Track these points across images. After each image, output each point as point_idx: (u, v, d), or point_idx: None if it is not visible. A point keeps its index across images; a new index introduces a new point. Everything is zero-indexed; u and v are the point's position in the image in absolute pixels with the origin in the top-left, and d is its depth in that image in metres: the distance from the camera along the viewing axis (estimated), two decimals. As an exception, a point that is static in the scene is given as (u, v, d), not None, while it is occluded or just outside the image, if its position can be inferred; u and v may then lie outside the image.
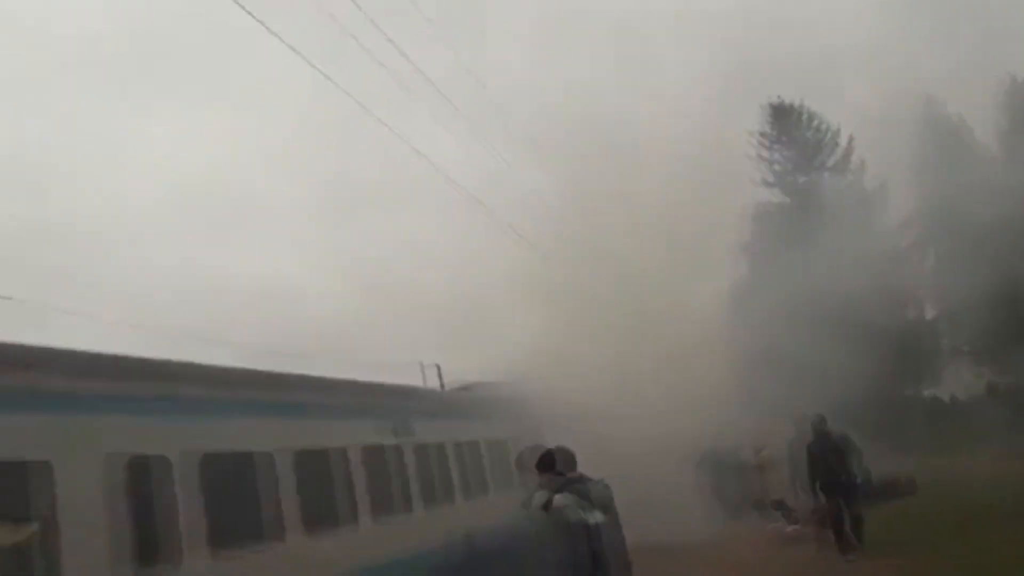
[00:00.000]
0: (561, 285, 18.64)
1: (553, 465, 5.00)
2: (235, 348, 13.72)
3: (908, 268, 31.54)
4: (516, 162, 22.56)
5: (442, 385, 19.81)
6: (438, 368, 21.09)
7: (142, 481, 6.96)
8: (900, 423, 24.06)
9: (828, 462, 11.29)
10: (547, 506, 4.79)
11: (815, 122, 33.60)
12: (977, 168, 27.23)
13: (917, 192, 29.25)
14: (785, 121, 33.77)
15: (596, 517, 4.73)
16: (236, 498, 8.29)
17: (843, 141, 32.80)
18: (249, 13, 10.87)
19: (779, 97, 33.09)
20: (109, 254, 34.22)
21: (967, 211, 24.11)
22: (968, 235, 24.78)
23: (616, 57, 22.86)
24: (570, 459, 5.28)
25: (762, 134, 33.63)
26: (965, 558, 9.29)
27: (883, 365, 22.58)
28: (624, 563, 4.53)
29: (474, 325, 19.60)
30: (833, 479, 11.25)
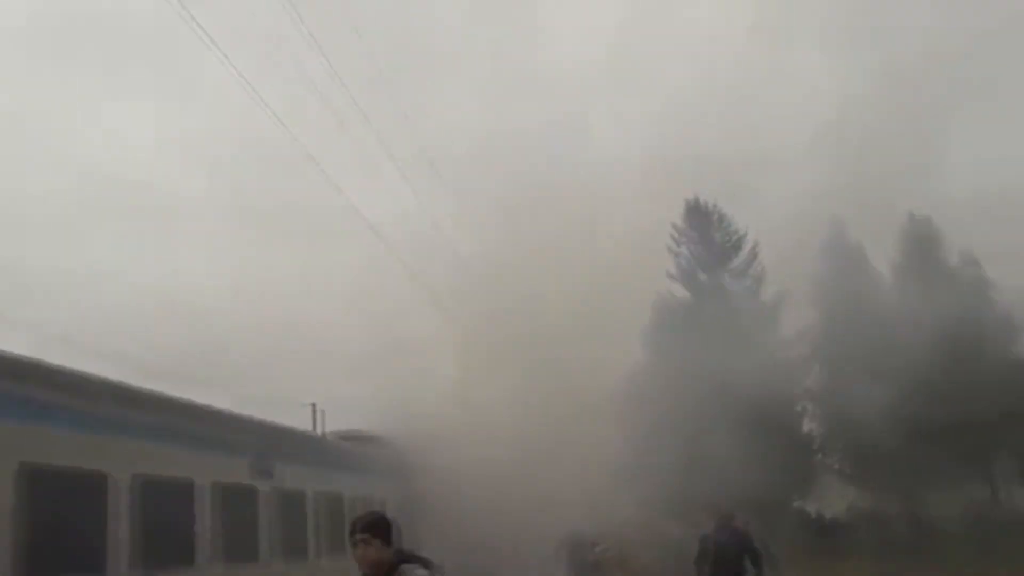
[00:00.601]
0: (469, 344, 18.05)
1: (389, 534, 4.02)
2: (113, 359, 12.17)
3: (795, 379, 32.50)
4: (442, 214, 22.04)
5: (322, 430, 18.58)
6: (314, 408, 19.75)
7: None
8: (776, 530, 24.16)
9: (726, 554, 10.93)
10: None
11: (724, 223, 34.61)
12: (870, 295, 28.48)
13: (812, 307, 30.43)
14: (698, 219, 34.63)
15: None
16: (58, 520, 7.08)
17: (747, 247, 33.83)
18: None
19: (695, 195, 34.04)
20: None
21: (856, 334, 25.07)
22: (855, 358, 25.71)
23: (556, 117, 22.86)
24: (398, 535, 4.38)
25: (675, 226, 34.36)
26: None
27: (764, 471, 22.78)
28: None
29: (371, 374, 18.70)
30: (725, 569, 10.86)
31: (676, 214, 33.51)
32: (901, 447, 23.91)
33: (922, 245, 30.09)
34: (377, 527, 3.96)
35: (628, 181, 21.65)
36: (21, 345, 7.76)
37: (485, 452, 15.16)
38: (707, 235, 34.72)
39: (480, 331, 18.18)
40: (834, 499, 35.50)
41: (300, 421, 17.67)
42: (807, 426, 33.40)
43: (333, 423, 18.44)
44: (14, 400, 6.87)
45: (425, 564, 3.97)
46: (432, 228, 21.37)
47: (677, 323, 28.99)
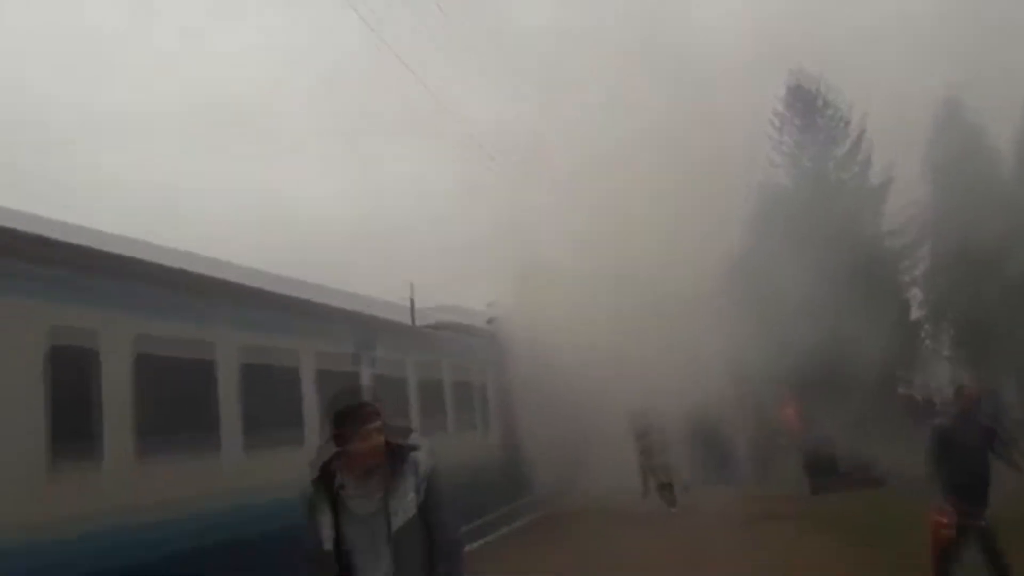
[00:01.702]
0: (556, 234, 18.11)
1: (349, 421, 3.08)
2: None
3: (902, 268, 31.42)
4: (525, 110, 21.74)
5: (413, 316, 19.35)
6: (411, 288, 20.56)
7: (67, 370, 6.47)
8: (878, 415, 23.94)
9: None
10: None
11: (830, 110, 32.90)
12: (988, 178, 26.74)
13: (921, 194, 29.00)
14: (801, 104, 33.03)
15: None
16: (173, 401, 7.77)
17: (854, 133, 32.15)
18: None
19: (796, 80, 32.32)
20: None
21: (970, 221, 23.72)
22: (968, 246, 24.39)
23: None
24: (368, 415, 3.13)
25: (775, 113, 32.90)
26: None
27: (866, 355, 22.38)
28: (451, 550, 3.14)
29: (461, 261, 19.21)
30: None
31: (778, 98, 32.13)
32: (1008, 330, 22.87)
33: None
34: (381, 409, 3.16)
35: (730, 59, 20.51)
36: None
37: (580, 338, 15.38)
38: (811, 121, 33.18)
39: (575, 218, 18.12)
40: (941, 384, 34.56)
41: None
42: (914, 314, 32.58)
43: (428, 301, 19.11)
44: (138, 296, 7.49)
45: (416, 446, 3.22)
46: (521, 121, 21.20)
47: (780, 211, 28.19)
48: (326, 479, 3.13)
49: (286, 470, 9.08)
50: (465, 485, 13.24)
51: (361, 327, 11.96)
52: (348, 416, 3.09)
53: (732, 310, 18.20)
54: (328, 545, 3.06)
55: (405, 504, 3.08)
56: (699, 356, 16.20)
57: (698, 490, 16.07)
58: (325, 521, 3.07)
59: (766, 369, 16.99)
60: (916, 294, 32.12)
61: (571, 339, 15.17)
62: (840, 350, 19.69)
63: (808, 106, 33.17)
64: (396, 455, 3.14)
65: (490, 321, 18.28)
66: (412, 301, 20.61)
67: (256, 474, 8.34)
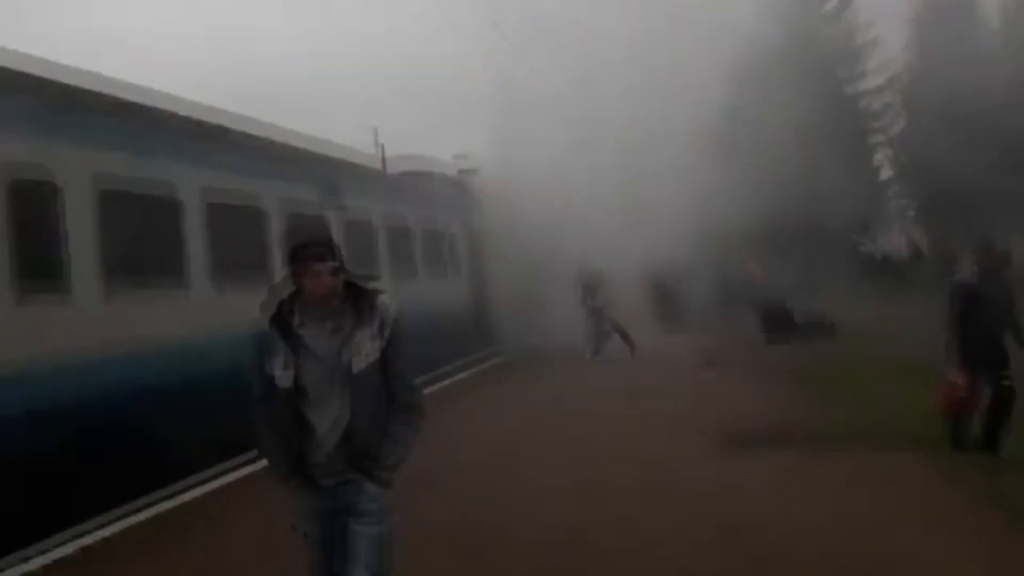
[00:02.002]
0: (536, 83, 17.57)
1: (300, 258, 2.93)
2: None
3: (878, 127, 31.43)
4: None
5: (383, 159, 19.00)
6: (375, 132, 20.04)
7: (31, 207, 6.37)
8: (838, 271, 24.58)
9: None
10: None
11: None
12: (970, 38, 26.25)
13: (904, 53, 28.56)
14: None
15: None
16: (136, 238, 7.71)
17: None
18: None
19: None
20: None
21: (952, 83, 23.43)
22: (948, 109, 24.22)
23: None
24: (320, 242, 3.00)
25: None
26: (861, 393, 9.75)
27: (833, 212, 22.76)
28: (409, 400, 3.10)
29: (431, 101, 18.71)
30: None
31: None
32: (979, 192, 23.16)
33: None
34: (335, 246, 3.01)
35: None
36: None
37: (552, 192, 15.31)
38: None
39: (550, 67, 17.56)
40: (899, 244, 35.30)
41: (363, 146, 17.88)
42: (883, 174, 32.90)
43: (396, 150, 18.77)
44: (95, 127, 7.24)
45: (381, 291, 3.11)
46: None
47: (764, 65, 27.64)
48: (283, 317, 3.00)
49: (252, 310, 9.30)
50: (433, 331, 13.68)
51: (329, 170, 11.77)
52: (299, 253, 2.94)
53: (707, 164, 18.20)
54: (286, 383, 2.95)
55: (367, 347, 2.99)
56: (672, 209, 16.27)
57: (661, 337, 16.70)
58: (279, 361, 2.95)
59: (735, 221, 17.20)
60: (888, 154, 32.31)
61: (543, 192, 15.08)
62: (808, 205, 19.93)
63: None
64: (360, 297, 3.03)
65: (461, 171, 18.09)
66: (382, 147, 20.16)
67: (225, 313, 8.47)
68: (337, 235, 10.70)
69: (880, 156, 32.69)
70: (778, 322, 15.79)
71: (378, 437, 3.02)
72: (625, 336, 14.93)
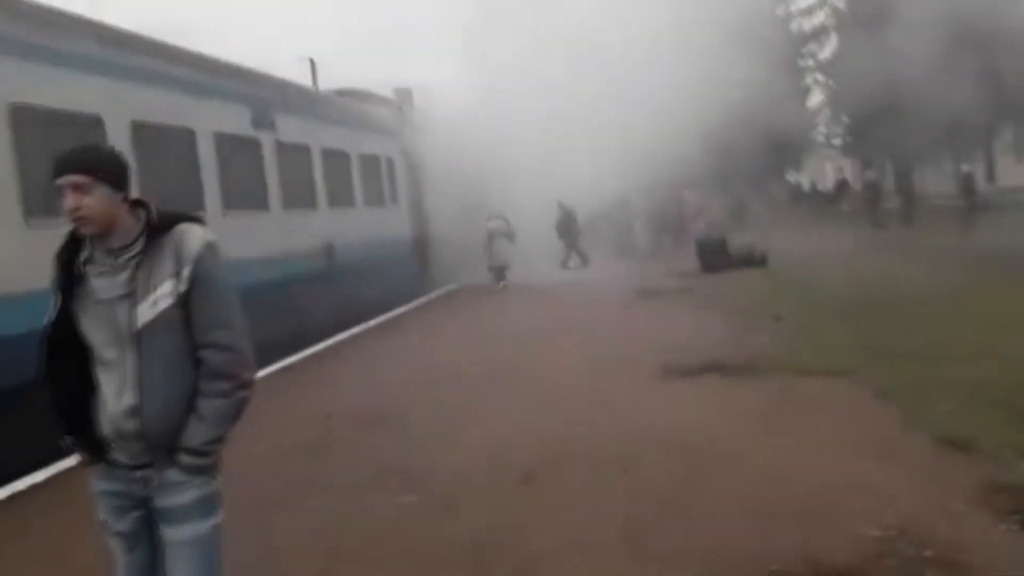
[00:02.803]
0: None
1: (123, 179, 2.43)
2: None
3: (807, 51, 31.61)
4: None
5: (315, 84, 18.17)
6: (312, 63, 19.13)
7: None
8: (767, 200, 25.10)
9: None
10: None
11: None
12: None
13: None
14: None
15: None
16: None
17: None
18: None
19: None
20: None
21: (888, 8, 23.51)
22: (878, 34, 24.42)
23: None
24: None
25: None
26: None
27: (760, 145, 23.00)
28: (223, 363, 2.37)
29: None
30: None
31: None
32: (905, 121, 23.70)
33: None
34: (100, 166, 2.36)
35: None
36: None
37: (495, 117, 14.99)
38: None
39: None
40: (826, 174, 36.14)
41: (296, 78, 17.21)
42: (811, 100, 33.34)
43: (328, 82, 18.07)
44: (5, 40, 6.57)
45: (187, 217, 2.47)
46: None
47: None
48: (70, 248, 2.44)
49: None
50: (374, 260, 13.42)
51: (263, 87, 11.13)
52: (55, 177, 2.34)
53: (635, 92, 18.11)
54: (49, 331, 2.40)
55: (158, 293, 2.33)
56: (605, 144, 16.23)
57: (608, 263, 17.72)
58: (55, 300, 2.42)
59: (667, 155, 17.30)
60: (818, 79, 32.63)
61: (487, 119, 14.72)
62: (738, 134, 20.11)
63: None
64: (155, 227, 2.39)
65: (399, 92, 17.41)
66: (313, 64, 19.21)
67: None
68: (269, 158, 10.31)
69: (808, 81, 33.00)
70: (713, 252, 16.09)
71: (180, 411, 2.35)
72: (585, 257, 18.77)
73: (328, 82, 17.98)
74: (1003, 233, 16.57)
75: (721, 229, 17.59)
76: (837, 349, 8.04)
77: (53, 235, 2.67)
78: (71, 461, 5.21)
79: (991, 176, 30.95)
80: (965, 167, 21.85)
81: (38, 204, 6.46)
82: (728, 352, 8.17)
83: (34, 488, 5.66)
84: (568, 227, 18.71)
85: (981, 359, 7.03)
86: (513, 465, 5.33)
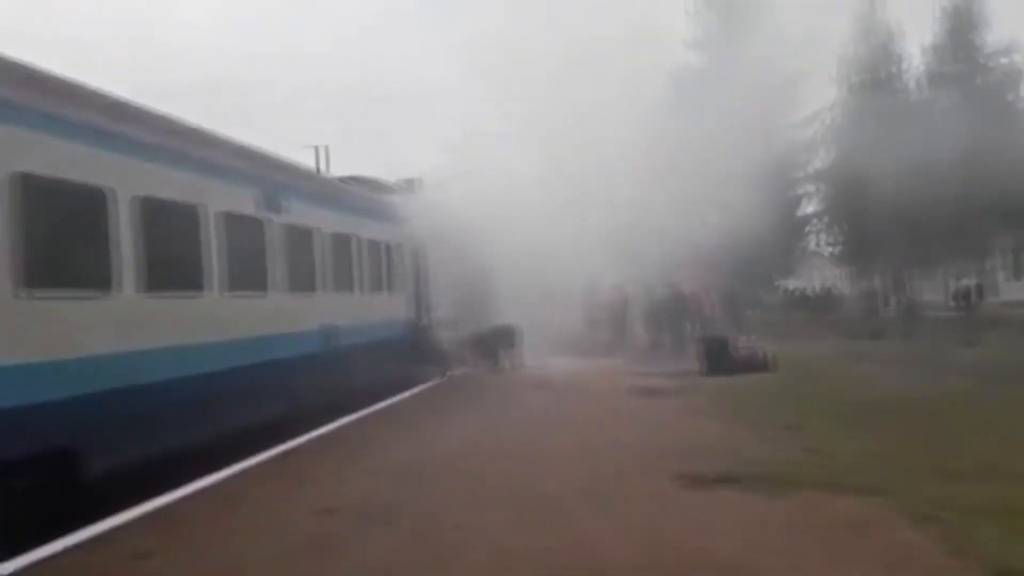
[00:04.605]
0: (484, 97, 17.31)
1: None
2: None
3: (803, 161, 32.20)
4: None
5: (322, 170, 18.18)
6: (317, 151, 19.23)
7: None
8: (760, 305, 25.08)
9: None
10: None
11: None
12: (897, 77, 27.26)
13: (832, 85, 29.34)
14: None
15: None
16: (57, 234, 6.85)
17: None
18: None
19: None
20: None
21: (875, 116, 24.21)
22: (869, 141, 25.01)
23: None
24: None
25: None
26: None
27: (758, 248, 23.11)
28: None
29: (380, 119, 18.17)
30: None
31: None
32: (898, 232, 24.00)
33: (961, 23, 28.31)
34: None
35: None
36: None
37: (498, 205, 15.02)
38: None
39: (492, 87, 17.33)
40: (821, 281, 36.34)
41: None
42: (805, 209, 33.76)
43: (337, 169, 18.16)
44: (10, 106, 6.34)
45: None
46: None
47: (691, 92, 27.99)
48: None
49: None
50: (372, 344, 13.08)
51: (270, 169, 10.96)
52: None
53: (640, 190, 18.34)
54: None
55: None
56: (610, 235, 16.30)
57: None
58: None
59: (663, 251, 17.36)
60: (809, 189, 33.10)
61: (488, 204, 14.71)
62: (732, 241, 20.17)
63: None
64: None
65: (407, 181, 17.43)
66: (317, 152, 19.30)
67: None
68: (272, 241, 10.07)
69: (800, 191, 33.50)
70: (716, 356, 15.74)
71: None
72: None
73: (336, 169, 18.10)
74: (1008, 345, 16.46)
75: (722, 329, 17.36)
76: (861, 463, 7.63)
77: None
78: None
79: (994, 290, 31.05)
80: (964, 281, 21.99)
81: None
82: (744, 462, 7.74)
83: None
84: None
85: (1014, 479, 6.67)
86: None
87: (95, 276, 7.10)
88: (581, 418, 11.21)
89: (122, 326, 7.34)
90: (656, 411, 11.63)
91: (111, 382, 7.03)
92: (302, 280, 11.20)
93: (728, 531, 5.78)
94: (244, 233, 9.71)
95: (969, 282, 21.96)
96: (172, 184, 8.32)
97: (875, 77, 27.20)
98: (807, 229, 34.30)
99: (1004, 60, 27.82)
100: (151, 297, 7.73)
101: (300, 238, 11.24)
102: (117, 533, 6.05)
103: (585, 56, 17.70)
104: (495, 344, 17.13)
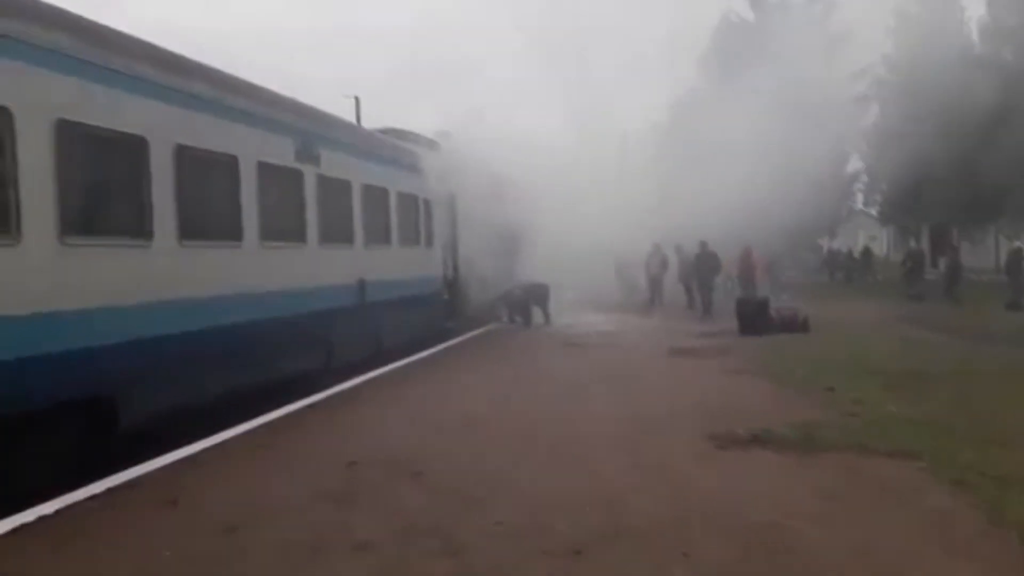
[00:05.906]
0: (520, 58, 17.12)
1: None
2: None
3: (846, 118, 31.34)
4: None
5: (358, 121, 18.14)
6: (356, 101, 19.19)
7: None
8: (804, 266, 24.69)
9: None
10: None
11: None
12: (952, 35, 26.26)
13: (885, 40, 28.45)
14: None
15: None
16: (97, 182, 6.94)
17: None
18: None
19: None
20: None
21: (927, 79, 23.39)
22: (921, 105, 24.20)
23: None
24: None
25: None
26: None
27: (799, 206, 22.64)
28: None
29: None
30: None
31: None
32: (945, 191, 23.33)
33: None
34: None
35: None
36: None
37: (530, 163, 14.87)
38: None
39: (531, 50, 17.16)
40: (866, 241, 35.60)
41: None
42: (851, 167, 33.00)
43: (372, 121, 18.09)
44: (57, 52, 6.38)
45: None
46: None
47: (736, 47, 27.34)
48: None
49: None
50: (406, 297, 13.16)
51: (308, 120, 10.93)
52: None
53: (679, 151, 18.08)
54: None
55: None
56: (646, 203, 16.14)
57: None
58: None
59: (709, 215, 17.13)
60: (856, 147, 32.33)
61: (524, 162, 14.58)
62: (779, 199, 19.81)
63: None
64: None
65: (441, 134, 17.33)
66: (358, 101, 19.26)
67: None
68: (309, 191, 10.10)
69: (847, 148, 32.72)
70: (752, 315, 15.56)
71: None
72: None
73: (367, 121, 18.04)
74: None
75: (762, 288, 17.16)
76: (899, 427, 7.52)
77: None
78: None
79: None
80: (1016, 243, 21.31)
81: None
82: (780, 423, 7.67)
83: None
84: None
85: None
86: (558, 534, 4.88)
87: (135, 225, 7.20)
88: (614, 376, 11.17)
89: (164, 275, 7.47)
90: (691, 371, 11.57)
91: (152, 329, 7.18)
92: (339, 232, 11.25)
93: (759, 491, 5.74)
94: (282, 184, 9.76)
95: (1020, 243, 21.27)
96: (210, 134, 8.36)
97: (933, 29, 26.17)
98: (853, 188, 33.61)
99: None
100: (190, 247, 7.83)
101: (339, 189, 11.26)
102: (147, 478, 6.20)
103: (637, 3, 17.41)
104: (528, 301, 17.16)
